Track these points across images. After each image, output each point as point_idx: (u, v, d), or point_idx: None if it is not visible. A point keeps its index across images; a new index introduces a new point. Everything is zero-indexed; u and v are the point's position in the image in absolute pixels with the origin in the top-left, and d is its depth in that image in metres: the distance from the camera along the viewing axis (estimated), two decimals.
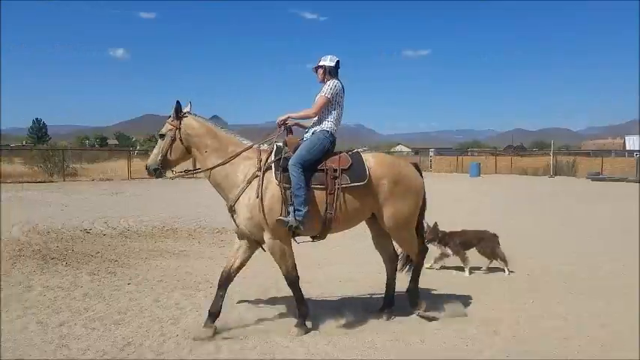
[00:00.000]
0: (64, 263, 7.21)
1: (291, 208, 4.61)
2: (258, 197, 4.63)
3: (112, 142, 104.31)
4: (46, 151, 29.65)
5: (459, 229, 7.42)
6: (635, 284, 6.34)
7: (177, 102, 4.91)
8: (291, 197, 4.62)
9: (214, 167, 4.81)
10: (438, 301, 5.57)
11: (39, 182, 23.02)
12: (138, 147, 65.69)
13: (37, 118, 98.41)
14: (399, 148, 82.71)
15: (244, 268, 5.02)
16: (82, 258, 7.58)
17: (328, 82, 4.99)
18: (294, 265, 4.86)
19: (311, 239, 5.03)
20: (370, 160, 4.99)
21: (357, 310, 5.32)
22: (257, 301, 5.67)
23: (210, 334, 4.56)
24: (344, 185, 4.78)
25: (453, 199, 17.38)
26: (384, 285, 5.45)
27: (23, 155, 32.93)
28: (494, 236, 7.27)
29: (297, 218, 4.58)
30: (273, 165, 4.76)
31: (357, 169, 4.86)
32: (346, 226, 5.08)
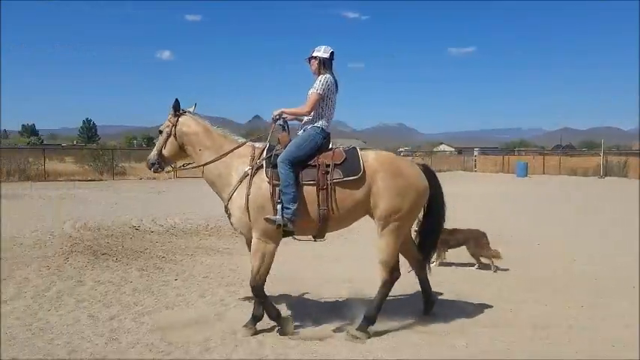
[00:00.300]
0: (114, 259, 7.45)
1: (279, 207, 4.49)
2: (248, 195, 4.57)
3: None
4: (96, 151, 30.84)
5: (449, 228, 6.90)
6: None
7: (176, 100, 5.00)
8: (280, 195, 4.53)
9: (206, 164, 4.82)
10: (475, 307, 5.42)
11: (89, 180, 23.92)
12: None
13: (87, 119, 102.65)
14: (441, 147, 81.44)
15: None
16: (131, 254, 7.82)
17: (320, 77, 4.81)
18: (268, 270, 4.69)
19: (313, 239, 4.90)
20: (370, 155, 4.80)
21: (402, 311, 5.24)
22: (301, 301, 5.67)
23: (249, 334, 4.57)
24: (336, 180, 4.59)
25: (498, 200, 16.94)
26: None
27: (74, 154, 34.36)
28: (483, 235, 7.25)
29: (285, 216, 4.46)
30: (264, 163, 4.68)
31: (350, 163, 4.66)
32: (344, 224, 4.87)
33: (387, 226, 4.68)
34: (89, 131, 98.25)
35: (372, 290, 4.92)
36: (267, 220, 4.51)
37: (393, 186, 4.64)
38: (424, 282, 5.26)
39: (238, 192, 4.65)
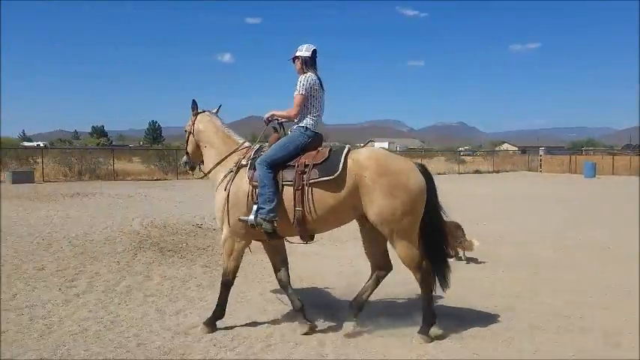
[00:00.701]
0: (179, 255, 7.71)
1: (255, 207, 4.49)
2: (225, 192, 4.68)
3: None
4: (161, 151, 32.12)
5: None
6: None
7: (193, 100, 5.28)
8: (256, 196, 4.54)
9: (212, 169, 5.03)
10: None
11: (155, 180, 24.92)
12: None
13: (152, 120, 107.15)
14: (504, 146, 78.77)
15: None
16: (195, 251, 8.07)
17: (300, 78, 4.72)
18: (236, 269, 4.83)
19: (303, 242, 4.79)
20: (361, 153, 4.54)
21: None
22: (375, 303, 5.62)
23: (305, 329, 4.60)
24: (312, 180, 4.43)
25: (563, 204, 16.16)
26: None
27: (140, 155, 35.93)
28: (457, 227, 7.27)
29: (259, 217, 4.43)
30: (249, 163, 4.69)
31: (330, 163, 4.45)
32: (327, 225, 4.68)
33: (391, 233, 4.42)
34: (154, 132, 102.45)
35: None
36: (240, 220, 4.58)
37: (381, 186, 4.34)
38: (366, 288, 4.89)
39: (219, 190, 4.79)
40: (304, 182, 4.45)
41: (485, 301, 5.58)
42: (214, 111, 5.33)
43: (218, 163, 4.96)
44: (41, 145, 48.84)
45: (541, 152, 41.55)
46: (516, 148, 64.77)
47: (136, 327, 4.71)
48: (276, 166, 4.55)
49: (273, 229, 4.50)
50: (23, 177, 22.46)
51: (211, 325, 4.67)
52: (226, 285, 4.82)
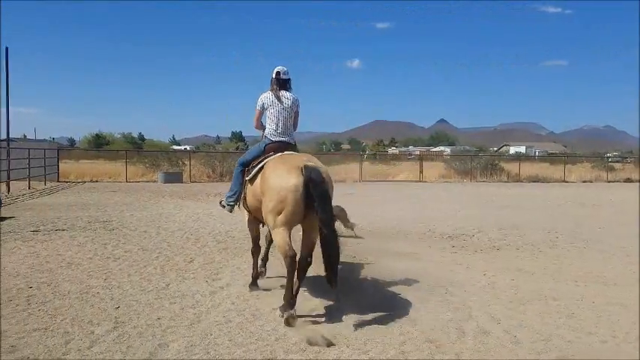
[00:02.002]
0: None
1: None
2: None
3: (345, 146, 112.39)
4: None
5: None
6: None
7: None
8: None
9: None
10: None
11: None
12: (367, 151, 69.32)
13: None
14: None
15: None
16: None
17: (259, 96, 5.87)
18: (253, 240, 6.18)
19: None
20: (277, 158, 5.35)
21: None
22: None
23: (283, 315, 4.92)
24: (247, 179, 5.62)
25: None
26: None
27: None
28: (342, 210, 9.06)
29: (223, 201, 6.06)
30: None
31: (257, 164, 5.50)
32: (261, 216, 5.43)
33: (266, 222, 5.24)
34: None
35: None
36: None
37: (263, 187, 5.13)
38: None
39: None
40: (245, 179, 5.71)
41: None
42: None
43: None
44: (188, 148, 53.76)
45: None
46: None
47: (274, 321, 4.94)
48: (245, 165, 5.80)
49: (231, 211, 6.05)
50: (173, 177, 24.98)
51: (253, 285, 6.04)
52: (252, 253, 6.24)
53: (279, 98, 5.75)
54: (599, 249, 9.05)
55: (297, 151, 5.86)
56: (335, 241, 4.91)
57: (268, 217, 5.03)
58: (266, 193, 5.02)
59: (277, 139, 5.72)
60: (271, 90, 5.82)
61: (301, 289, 5.35)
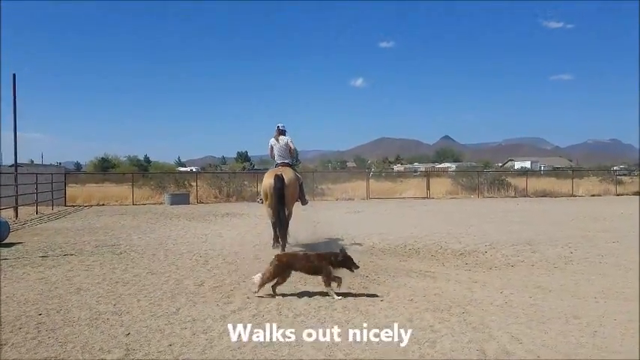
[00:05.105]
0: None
1: None
2: None
3: (350, 164, 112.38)
4: (300, 173, 33.45)
5: None
6: None
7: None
8: None
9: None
10: None
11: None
12: (373, 168, 69.27)
13: None
14: None
15: None
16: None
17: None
18: (271, 217, 10.28)
19: None
20: (270, 170, 10.71)
21: None
22: None
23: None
24: None
25: None
26: None
27: None
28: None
29: (258, 200, 11.43)
30: None
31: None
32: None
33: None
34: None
35: None
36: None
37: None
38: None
39: None
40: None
41: None
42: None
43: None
44: (193, 170, 53.90)
45: None
46: None
47: (287, 346, 4.81)
48: None
49: (262, 203, 10.73)
50: (180, 199, 24.94)
51: (275, 244, 10.34)
52: (272, 225, 10.37)
53: (278, 140, 10.71)
54: (615, 263, 8.88)
55: (292, 169, 10.60)
56: (284, 217, 9.98)
57: (264, 201, 10.07)
58: (262, 188, 10.06)
59: (280, 161, 10.69)
60: (275, 137, 10.75)
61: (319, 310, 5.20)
